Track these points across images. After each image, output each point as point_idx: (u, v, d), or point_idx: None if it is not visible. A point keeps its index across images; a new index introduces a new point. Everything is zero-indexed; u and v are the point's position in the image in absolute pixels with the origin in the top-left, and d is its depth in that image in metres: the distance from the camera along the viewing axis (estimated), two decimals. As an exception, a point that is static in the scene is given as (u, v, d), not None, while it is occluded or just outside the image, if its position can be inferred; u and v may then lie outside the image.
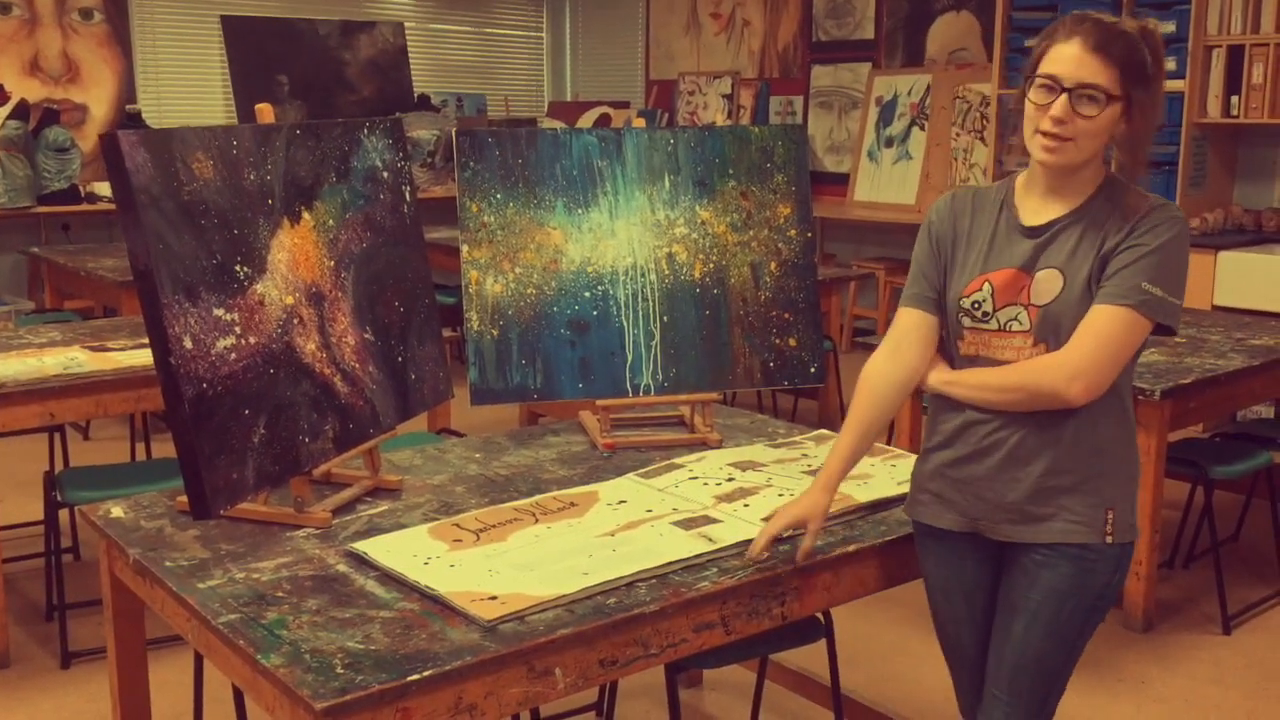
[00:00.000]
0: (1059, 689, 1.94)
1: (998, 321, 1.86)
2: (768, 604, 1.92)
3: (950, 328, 1.93)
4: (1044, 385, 1.79)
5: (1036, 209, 1.87)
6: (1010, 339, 1.85)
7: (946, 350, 1.97)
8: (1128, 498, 1.88)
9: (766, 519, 2.05)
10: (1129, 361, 1.83)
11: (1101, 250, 1.80)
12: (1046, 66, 1.77)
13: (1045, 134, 1.77)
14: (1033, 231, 1.86)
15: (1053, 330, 1.82)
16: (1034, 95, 1.78)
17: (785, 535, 1.94)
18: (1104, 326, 1.77)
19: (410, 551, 1.91)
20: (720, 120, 7.87)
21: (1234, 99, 5.22)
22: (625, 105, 8.59)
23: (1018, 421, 1.84)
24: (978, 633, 1.99)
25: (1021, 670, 1.90)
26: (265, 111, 2.17)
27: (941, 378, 1.93)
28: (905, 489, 2.09)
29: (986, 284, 1.87)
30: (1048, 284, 1.82)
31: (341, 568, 1.88)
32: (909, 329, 1.96)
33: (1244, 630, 3.42)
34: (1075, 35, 1.75)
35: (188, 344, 1.83)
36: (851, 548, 2.00)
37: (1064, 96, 1.74)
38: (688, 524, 2.05)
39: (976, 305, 1.87)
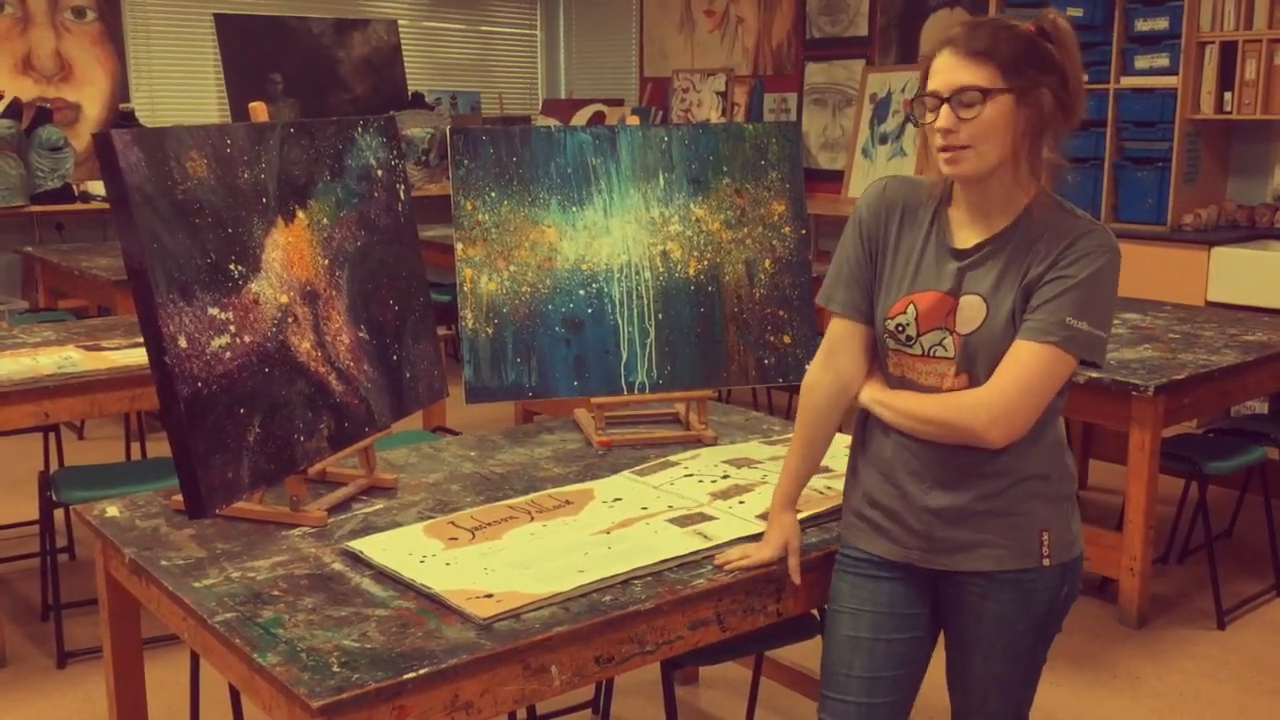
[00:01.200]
0: (1029, 696, 1.93)
1: (921, 346, 1.82)
2: (763, 601, 1.92)
3: (879, 344, 1.89)
4: (963, 424, 1.74)
5: (966, 226, 1.81)
6: (934, 364, 1.81)
7: (879, 361, 1.92)
8: (1063, 516, 1.83)
9: (763, 516, 2.05)
10: (1054, 395, 1.78)
11: (1025, 280, 1.74)
12: (928, 84, 1.74)
13: (942, 149, 1.73)
14: (960, 254, 1.80)
15: (974, 362, 1.77)
16: (925, 116, 1.75)
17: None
18: (1026, 364, 1.72)
19: (406, 550, 1.92)
20: (714, 117, 7.86)
21: (1227, 95, 5.23)
22: (619, 103, 8.59)
23: (943, 450, 1.80)
24: (866, 662, 1.89)
25: (989, 695, 1.90)
26: (259, 110, 2.17)
27: (872, 396, 1.88)
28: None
29: (911, 306, 1.82)
30: (971, 312, 1.77)
31: (337, 566, 1.88)
32: (840, 339, 1.91)
33: (1238, 625, 3.43)
34: (945, 47, 1.73)
35: (182, 343, 1.83)
36: (846, 544, 2.01)
37: (945, 106, 1.70)
38: (683, 521, 2.05)
39: (900, 328, 1.83)
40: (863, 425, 1.93)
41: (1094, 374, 3.15)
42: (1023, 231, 1.77)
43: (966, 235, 1.82)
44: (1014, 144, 1.73)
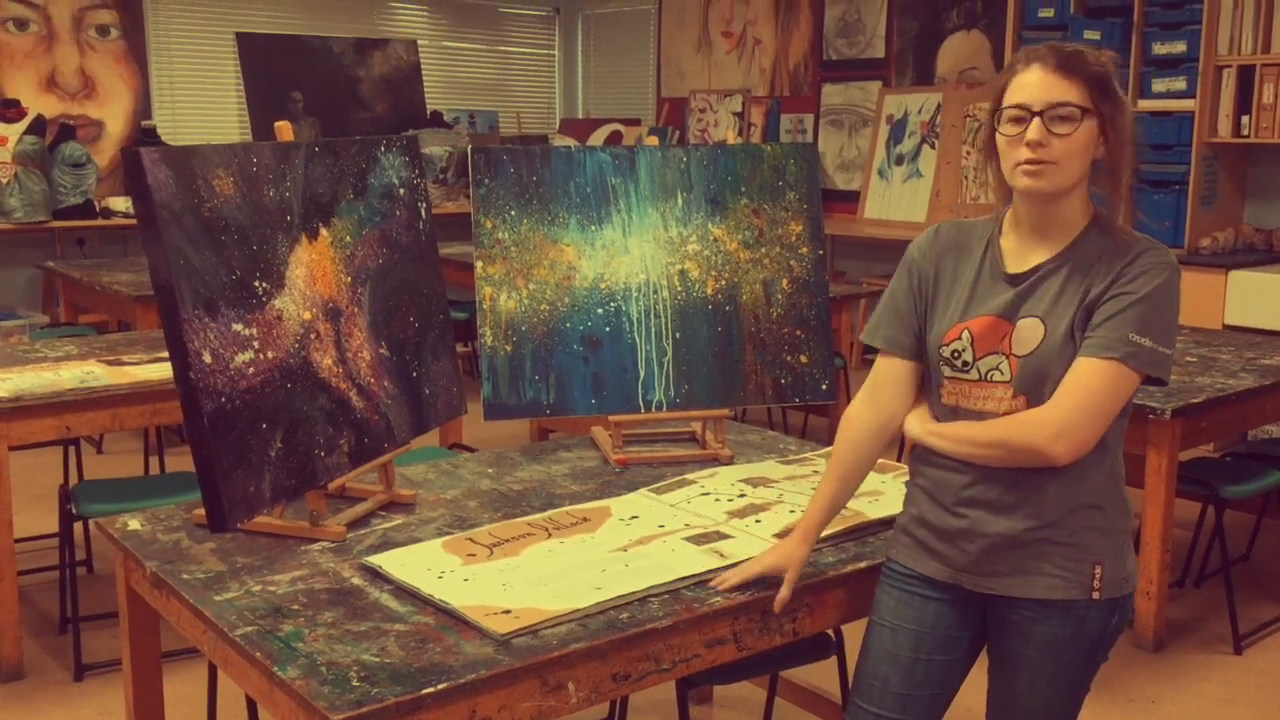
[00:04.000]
0: None
1: (978, 371, 1.81)
2: (779, 620, 1.93)
3: (932, 374, 1.89)
4: (1027, 443, 1.74)
5: (1021, 252, 1.82)
6: (991, 389, 1.80)
7: (929, 393, 1.92)
8: (1117, 552, 1.82)
9: (779, 535, 2.06)
10: (1117, 415, 1.77)
11: (1086, 299, 1.75)
12: (1011, 98, 1.75)
13: (1026, 162, 1.73)
14: (1016, 279, 1.81)
15: (1034, 383, 1.76)
16: (1005, 129, 1.75)
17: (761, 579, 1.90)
18: (1089, 381, 1.71)
19: (424, 565, 1.93)
20: (731, 138, 7.89)
21: (1245, 119, 5.23)
22: (636, 123, 8.63)
23: (999, 475, 1.79)
24: (904, 680, 1.89)
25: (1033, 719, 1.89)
26: (284, 129, 2.20)
27: (924, 428, 1.88)
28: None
29: (965, 332, 1.82)
30: (1029, 333, 1.77)
31: (356, 581, 1.90)
32: (886, 376, 1.92)
33: (1255, 650, 3.42)
34: (1034, 62, 1.74)
35: (207, 358, 1.85)
36: (863, 564, 2.01)
37: (1036, 120, 1.71)
38: (700, 539, 2.06)
39: (956, 354, 1.83)
40: (915, 450, 1.93)
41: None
42: (1080, 252, 1.78)
43: (1020, 260, 1.82)
44: (1087, 168, 1.75)
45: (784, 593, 1.88)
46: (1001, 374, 1.79)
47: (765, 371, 2.62)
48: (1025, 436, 1.74)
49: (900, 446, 3.75)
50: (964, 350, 1.82)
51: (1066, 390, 1.73)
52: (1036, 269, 1.80)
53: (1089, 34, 5.55)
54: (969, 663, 1.95)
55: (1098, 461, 1.79)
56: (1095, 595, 1.80)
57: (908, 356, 1.91)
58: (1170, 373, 1.78)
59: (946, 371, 1.85)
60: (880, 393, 1.93)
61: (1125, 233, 1.80)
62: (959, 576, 1.86)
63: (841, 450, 1.95)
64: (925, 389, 1.93)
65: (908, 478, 1.97)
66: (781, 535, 2.06)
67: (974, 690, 1.99)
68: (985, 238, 1.88)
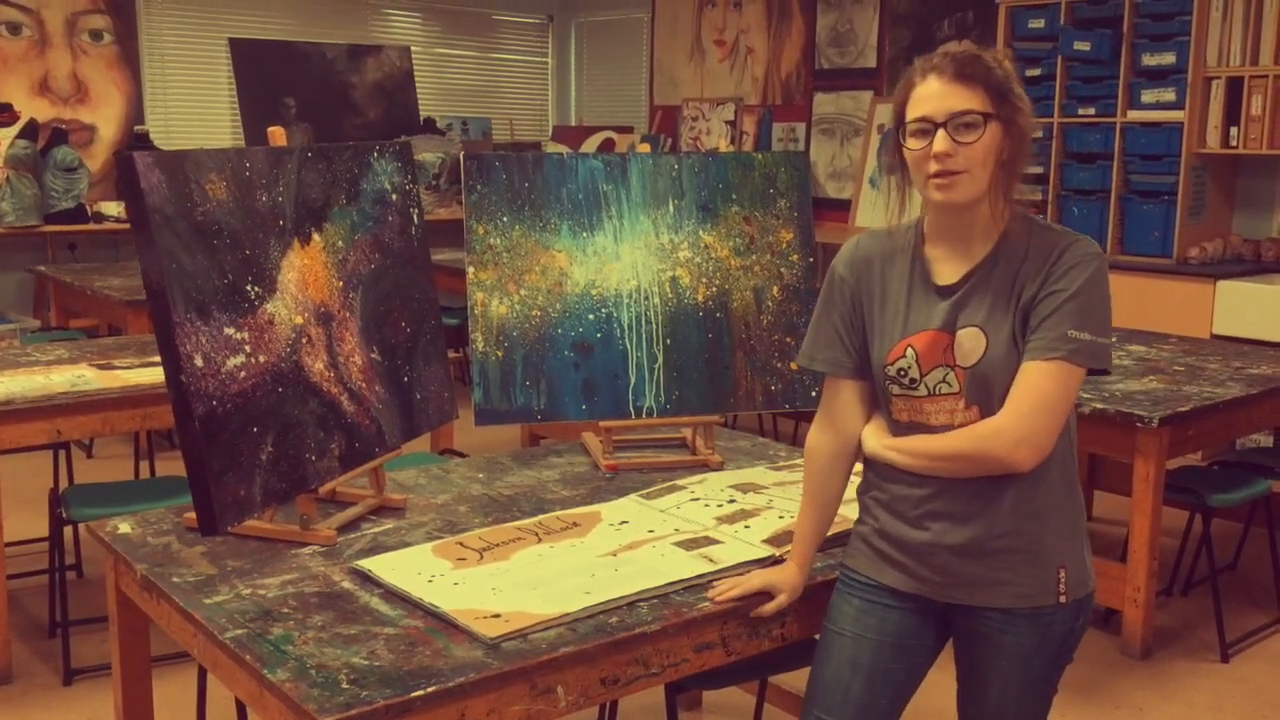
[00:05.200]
0: None
1: (926, 387, 1.81)
2: (768, 625, 1.94)
3: (879, 393, 1.89)
4: (988, 454, 1.74)
5: (947, 261, 1.82)
6: (941, 402, 1.80)
7: (879, 408, 1.92)
8: (1077, 551, 1.83)
9: (768, 540, 2.07)
10: (1069, 409, 1.78)
11: (1020, 303, 1.75)
12: (913, 111, 1.74)
13: (936, 175, 1.73)
14: (946, 290, 1.81)
15: (984, 391, 1.77)
16: (910, 143, 1.74)
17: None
18: (1038, 383, 1.72)
19: (414, 569, 1.93)
20: (723, 146, 7.92)
21: (1233, 130, 5.26)
22: (629, 130, 8.65)
23: (959, 486, 1.79)
24: (865, 688, 1.89)
25: None
26: (277, 134, 2.21)
27: (881, 443, 1.87)
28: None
29: (909, 349, 1.81)
30: (971, 343, 1.77)
31: (346, 585, 1.90)
32: (836, 399, 1.92)
33: (1242, 658, 3.43)
34: (930, 73, 1.74)
35: (199, 362, 1.86)
36: (851, 570, 2.02)
37: (941, 131, 1.71)
38: (689, 545, 2.07)
39: (902, 373, 1.82)
40: (870, 462, 1.93)
41: (1099, 405, 3.17)
42: (1005, 255, 1.79)
43: (948, 270, 1.82)
44: (996, 171, 1.74)
45: (769, 608, 1.89)
46: (950, 385, 1.79)
47: (755, 378, 2.64)
48: (985, 448, 1.75)
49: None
50: (909, 367, 1.82)
51: (1019, 396, 1.73)
52: (966, 278, 1.80)
53: (1079, 45, 5.58)
54: (928, 666, 1.96)
55: (1050, 464, 1.79)
56: (1061, 599, 1.81)
57: (854, 376, 1.91)
58: (1112, 361, 1.79)
59: (894, 390, 1.84)
60: (835, 417, 1.93)
61: (1046, 228, 1.80)
62: (921, 588, 1.86)
63: (810, 482, 1.96)
64: (875, 402, 1.92)
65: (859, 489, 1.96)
66: (771, 541, 2.07)
67: (943, 693, 2.00)
68: (909, 248, 1.86)
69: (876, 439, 1.89)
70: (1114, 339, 1.79)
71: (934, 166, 1.73)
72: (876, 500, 1.90)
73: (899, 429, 1.87)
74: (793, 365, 2.65)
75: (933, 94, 1.73)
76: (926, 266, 1.84)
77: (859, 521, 1.96)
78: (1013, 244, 1.78)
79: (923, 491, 1.83)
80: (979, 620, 1.84)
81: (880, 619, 1.89)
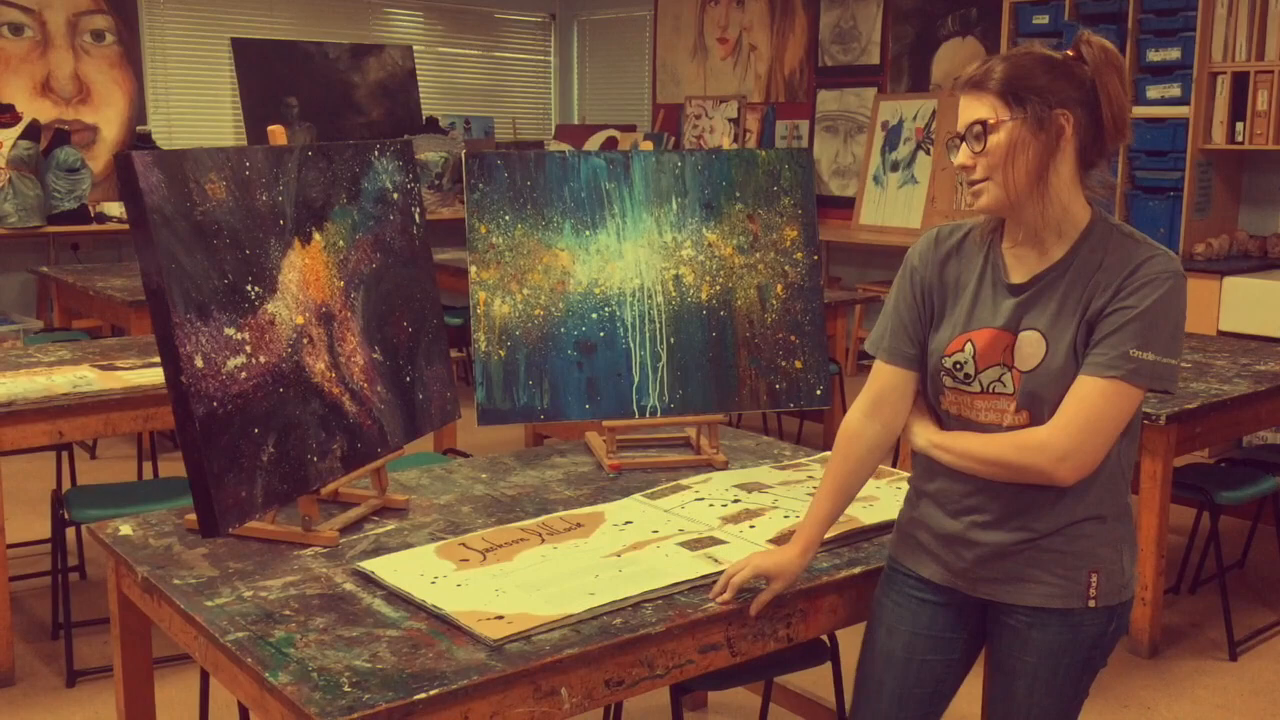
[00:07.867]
0: None
1: (980, 384, 1.79)
2: (773, 626, 1.92)
3: (931, 383, 1.87)
4: (1032, 466, 1.72)
5: (1021, 261, 1.80)
6: (994, 401, 1.79)
7: (929, 398, 1.90)
8: (1116, 560, 1.81)
9: (773, 540, 2.05)
10: (1124, 429, 1.75)
11: (1086, 314, 1.72)
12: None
13: (968, 184, 1.77)
14: (1017, 289, 1.79)
15: (1036, 399, 1.75)
16: (952, 158, 1.81)
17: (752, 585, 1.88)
18: (1092, 400, 1.69)
19: (417, 571, 1.92)
20: (726, 144, 7.90)
21: (1239, 125, 5.24)
22: (632, 129, 8.64)
23: (999, 489, 1.79)
24: (899, 680, 1.91)
25: None
26: (278, 133, 2.19)
27: (928, 439, 1.85)
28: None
29: (969, 344, 1.80)
30: (1030, 348, 1.75)
31: (349, 586, 1.89)
32: (887, 387, 1.89)
33: (1250, 656, 3.41)
34: (959, 91, 1.78)
35: (199, 362, 1.84)
36: (857, 570, 2.01)
37: (961, 144, 1.76)
38: (693, 545, 2.06)
39: (958, 366, 1.81)
40: (917, 460, 1.92)
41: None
42: (1080, 261, 1.76)
43: (1022, 269, 1.80)
44: (1035, 171, 1.71)
45: (763, 597, 1.86)
46: (1004, 386, 1.78)
47: (760, 377, 2.62)
48: (1029, 460, 1.73)
49: (895, 453, 3.76)
50: (966, 362, 1.81)
51: (1070, 410, 1.71)
52: (1037, 278, 1.78)
53: (1083, 41, 5.56)
54: (966, 664, 1.95)
55: (1100, 475, 1.77)
56: (1091, 603, 1.80)
57: (911, 367, 1.89)
58: (1177, 382, 1.75)
59: (948, 382, 1.83)
60: (883, 405, 1.90)
61: (1128, 237, 1.76)
62: (956, 581, 1.87)
63: (838, 463, 1.93)
64: (923, 393, 1.91)
65: (906, 482, 1.97)
66: (776, 541, 2.05)
67: (970, 700, 1.99)
68: (985, 242, 1.86)
69: (924, 435, 1.87)
70: (1180, 360, 1.75)
71: (964, 177, 1.77)
72: (921, 491, 1.91)
73: (945, 421, 1.87)
74: (797, 365, 2.63)
75: (959, 111, 1.78)
76: (1001, 262, 1.83)
77: (903, 511, 1.97)
78: (1091, 249, 1.76)
79: (963, 488, 1.83)
80: (1010, 615, 1.84)
81: (914, 612, 1.91)
